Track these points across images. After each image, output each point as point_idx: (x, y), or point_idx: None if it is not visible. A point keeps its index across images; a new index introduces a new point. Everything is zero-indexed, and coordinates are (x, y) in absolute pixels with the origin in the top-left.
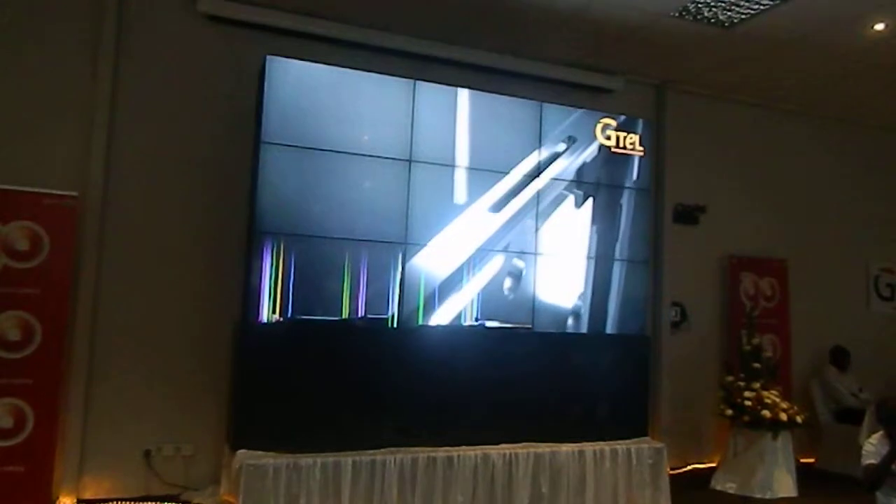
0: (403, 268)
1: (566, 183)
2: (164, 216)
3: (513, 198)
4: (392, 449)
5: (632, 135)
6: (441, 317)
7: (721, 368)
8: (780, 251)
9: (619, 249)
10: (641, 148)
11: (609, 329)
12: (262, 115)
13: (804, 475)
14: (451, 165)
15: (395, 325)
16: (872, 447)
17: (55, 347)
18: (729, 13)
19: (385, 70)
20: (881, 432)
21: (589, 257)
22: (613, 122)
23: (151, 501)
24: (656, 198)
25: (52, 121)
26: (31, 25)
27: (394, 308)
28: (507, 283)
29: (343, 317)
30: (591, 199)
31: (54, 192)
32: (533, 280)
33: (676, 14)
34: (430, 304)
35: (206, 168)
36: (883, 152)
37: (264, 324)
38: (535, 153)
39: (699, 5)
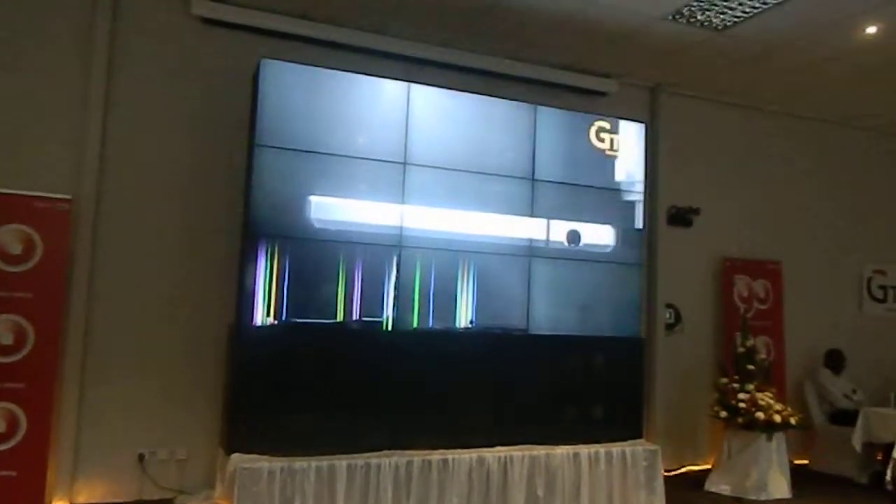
0: (398, 270)
1: (560, 185)
2: (157, 219)
3: (507, 200)
4: (387, 452)
5: (626, 137)
6: (436, 319)
7: (715, 370)
8: (773, 253)
9: (614, 252)
10: (635, 151)
11: (603, 331)
12: (257, 117)
13: (798, 476)
14: (446, 168)
15: (389, 328)
16: None
17: (48, 351)
18: (722, 16)
19: (380, 73)
20: None
21: (583, 259)
22: (607, 125)
23: None
24: (650, 200)
25: (45, 123)
26: (24, 28)
27: (388, 311)
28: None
29: (338, 319)
30: (585, 202)
31: (47, 195)
32: (527, 282)
33: (670, 17)
34: (425, 307)
35: (200, 171)
36: (876, 155)
37: (259, 327)
38: (529, 156)
39: (692, 9)
